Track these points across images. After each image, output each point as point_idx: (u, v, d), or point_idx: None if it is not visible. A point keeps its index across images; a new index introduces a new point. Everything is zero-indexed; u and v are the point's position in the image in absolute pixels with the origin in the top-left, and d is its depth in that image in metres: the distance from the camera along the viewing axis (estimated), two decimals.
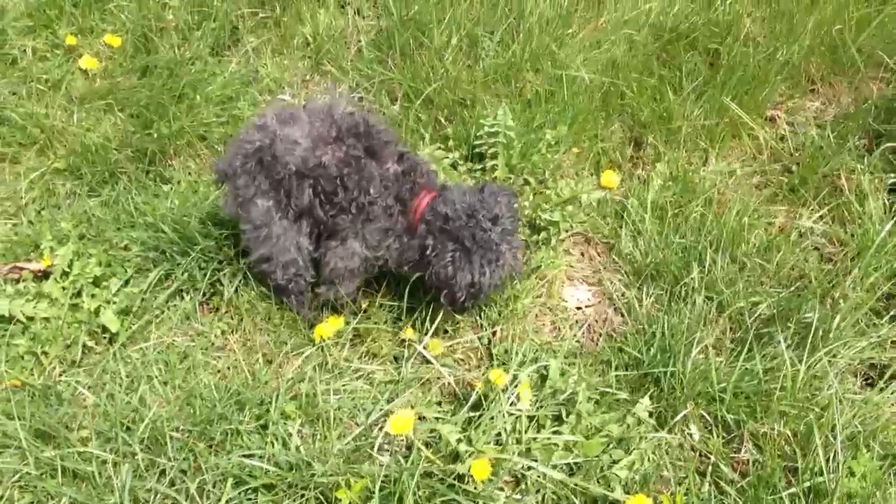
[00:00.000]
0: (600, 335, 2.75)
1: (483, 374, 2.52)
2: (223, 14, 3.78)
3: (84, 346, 2.70)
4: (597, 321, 2.80)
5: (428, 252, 2.43)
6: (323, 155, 2.39)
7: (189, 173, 3.23)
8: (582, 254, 3.01)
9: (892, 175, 3.09)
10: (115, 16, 3.84)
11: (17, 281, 2.87)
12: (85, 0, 3.88)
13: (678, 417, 2.36)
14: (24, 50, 3.70)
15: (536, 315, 2.79)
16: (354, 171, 2.40)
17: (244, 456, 2.30)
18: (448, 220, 2.39)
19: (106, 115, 3.43)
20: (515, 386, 2.37)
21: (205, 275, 2.80)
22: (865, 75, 3.57)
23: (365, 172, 2.41)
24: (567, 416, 2.34)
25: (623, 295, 2.83)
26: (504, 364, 2.56)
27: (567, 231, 2.95)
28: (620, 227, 2.98)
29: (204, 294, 2.82)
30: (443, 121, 3.29)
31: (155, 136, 3.27)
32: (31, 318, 2.74)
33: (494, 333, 2.70)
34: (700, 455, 2.36)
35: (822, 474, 2.17)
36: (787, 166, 3.23)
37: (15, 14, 3.83)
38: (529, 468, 2.22)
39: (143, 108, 3.36)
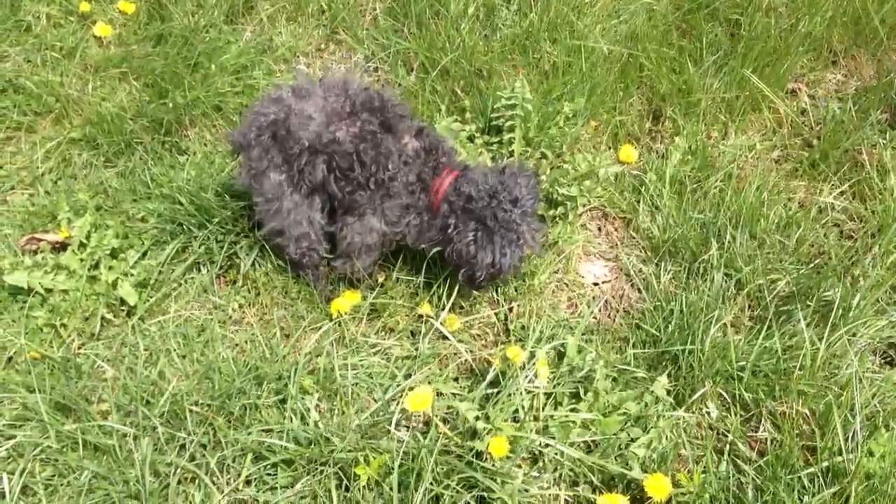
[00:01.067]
0: (618, 311, 2.73)
1: (500, 351, 2.50)
2: None
3: (102, 318, 2.70)
4: (614, 297, 2.78)
5: (450, 231, 2.43)
6: (337, 130, 2.36)
7: (205, 144, 3.20)
8: (599, 229, 2.98)
9: None
10: None
11: (35, 252, 2.86)
12: None
13: (696, 396, 2.35)
14: (38, 16, 3.66)
15: (553, 291, 2.77)
16: (371, 146, 2.37)
17: (263, 431, 2.31)
18: (471, 199, 2.38)
19: (121, 83, 3.40)
20: (533, 363, 2.36)
21: (222, 247, 2.79)
22: (888, 47, 3.50)
23: (382, 148, 2.38)
24: (585, 393, 2.33)
25: (640, 271, 2.81)
26: (521, 340, 2.55)
27: (584, 206, 2.92)
28: (638, 202, 2.95)
29: (221, 267, 2.81)
30: (459, 92, 3.24)
31: (170, 105, 3.23)
32: (49, 291, 2.74)
33: (511, 309, 2.69)
34: (718, 433, 2.36)
35: (840, 454, 2.16)
36: (807, 140, 3.18)
37: None
38: (547, 446, 2.22)
39: (158, 77, 3.33)
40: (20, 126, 3.28)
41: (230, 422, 2.37)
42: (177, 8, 3.62)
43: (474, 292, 2.69)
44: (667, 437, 2.27)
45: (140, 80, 3.40)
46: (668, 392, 2.38)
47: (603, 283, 2.82)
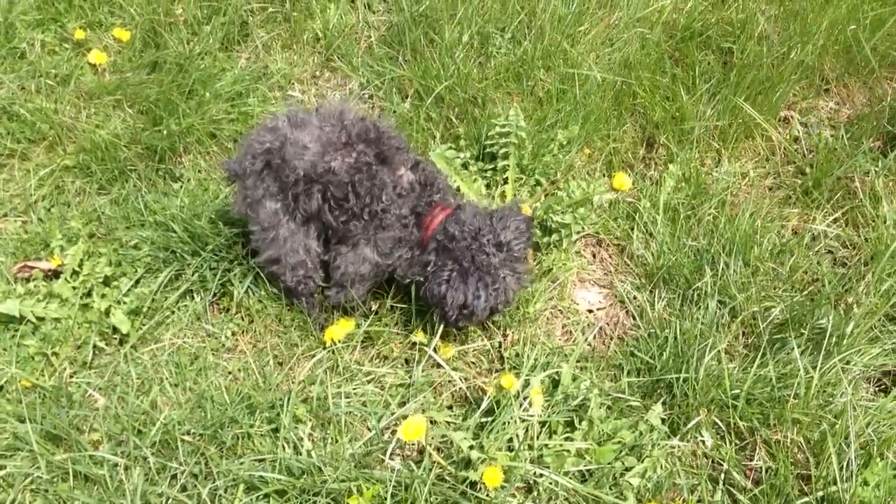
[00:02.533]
0: (612, 338, 2.74)
1: (494, 379, 2.51)
2: (233, 8, 3.75)
3: (95, 346, 2.70)
4: (608, 324, 2.79)
5: (428, 268, 2.46)
6: (332, 160, 2.37)
7: (199, 171, 3.21)
8: (593, 255, 3.00)
9: None
10: (124, 9, 3.81)
11: (28, 280, 2.87)
12: None
13: (691, 424, 2.36)
14: (33, 43, 3.68)
15: (548, 318, 2.78)
16: (366, 177, 2.39)
17: (256, 461, 2.30)
18: (453, 239, 2.41)
19: (115, 110, 3.42)
20: (527, 391, 2.37)
21: (215, 275, 2.80)
22: (880, 75, 3.55)
23: (377, 179, 2.41)
24: (579, 422, 2.34)
25: (635, 298, 2.83)
26: (515, 368, 2.56)
27: (578, 233, 2.93)
28: (632, 229, 2.97)
29: (214, 294, 2.82)
30: (454, 119, 3.27)
31: (164, 133, 3.25)
32: (41, 319, 2.74)
33: (506, 336, 2.70)
34: (713, 462, 2.36)
35: (835, 483, 2.17)
36: (800, 168, 3.21)
37: (23, 6, 3.80)
38: (541, 475, 2.22)
39: (153, 105, 3.35)
40: (14, 153, 3.29)
41: (222, 451, 2.37)
42: (172, 35, 3.64)
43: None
44: (661, 466, 2.28)
45: (134, 108, 3.42)
46: (663, 421, 2.38)
47: (597, 310, 2.84)
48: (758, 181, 3.18)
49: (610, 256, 2.99)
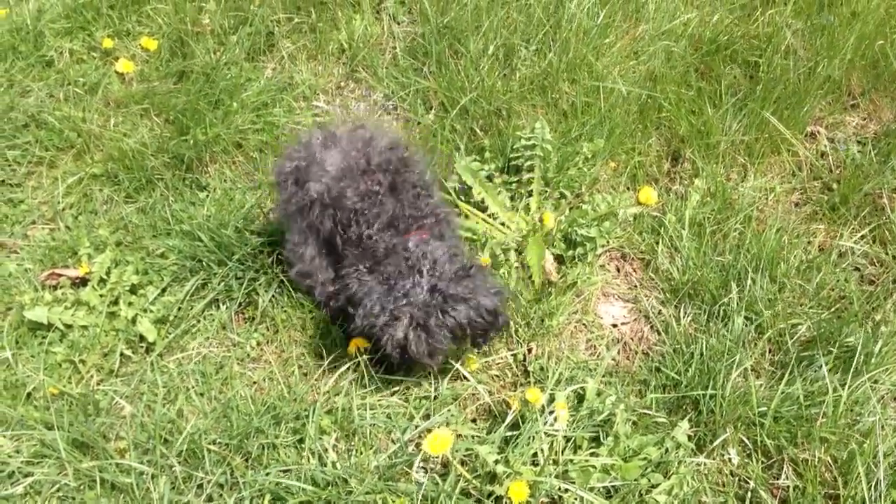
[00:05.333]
0: (636, 353, 2.73)
1: (519, 392, 2.51)
2: (259, 19, 3.78)
3: (121, 354, 2.72)
4: (633, 339, 2.78)
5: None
6: (347, 187, 2.40)
7: (225, 181, 3.23)
8: (618, 269, 2.99)
9: None
10: (152, 19, 3.85)
11: (55, 287, 2.89)
12: (121, 2, 3.88)
13: (718, 442, 2.34)
14: (61, 52, 3.72)
15: (572, 332, 2.77)
16: (371, 206, 2.40)
17: (281, 471, 2.31)
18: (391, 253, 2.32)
19: (142, 119, 3.45)
20: (552, 405, 2.37)
21: (241, 284, 2.81)
22: None
23: (381, 208, 2.40)
24: (605, 437, 2.33)
25: (660, 313, 2.82)
26: (540, 382, 2.55)
27: (603, 246, 2.93)
28: (657, 243, 2.96)
29: (240, 304, 2.83)
30: (478, 131, 3.27)
31: (191, 142, 3.27)
32: (69, 326, 2.76)
33: (530, 350, 2.69)
34: (739, 480, 2.34)
35: (864, 503, 2.15)
36: (827, 184, 3.19)
37: (52, 15, 3.85)
38: (567, 490, 2.21)
39: (180, 114, 3.37)
40: (42, 161, 3.33)
41: (248, 462, 2.38)
42: (198, 45, 3.67)
43: (491, 333, 2.71)
44: (688, 484, 2.26)
45: (161, 117, 3.45)
46: (689, 437, 2.37)
47: (622, 324, 2.83)
48: (784, 197, 3.17)
49: (634, 271, 2.98)
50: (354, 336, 2.44)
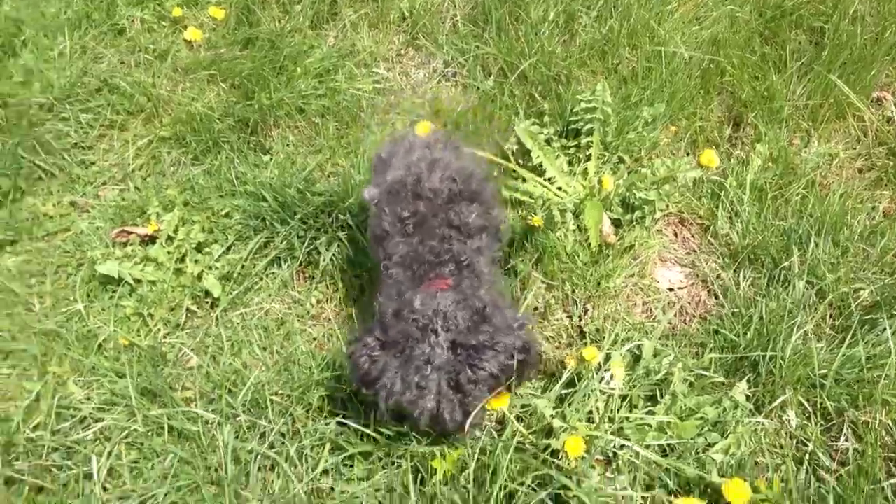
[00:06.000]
0: (694, 317, 2.68)
1: (576, 352, 2.48)
2: None
3: (187, 309, 2.77)
4: (690, 303, 2.73)
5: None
6: (388, 203, 2.30)
7: (287, 144, 3.25)
8: (675, 234, 2.93)
9: None
10: None
11: (125, 244, 2.95)
12: None
13: (776, 403, 2.29)
14: (132, 20, 3.78)
15: (628, 295, 2.73)
16: (397, 233, 2.25)
17: (341, 423, 2.33)
18: (402, 314, 2.05)
19: (209, 85, 3.48)
20: (608, 365, 2.34)
21: (303, 243, 2.83)
22: None
23: (405, 241, 2.24)
24: (661, 396, 2.30)
25: (718, 277, 2.76)
26: (596, 342, 2.53)
27: (662, 210, 2.87)
28: (717, 208, 2.89)
29: (301, 263, 2.86)
30: (537, 96, 3.24)
31: (256, 107, 3.30)
32: (137, 281, 2.82)
33: (586, 311, 2.67)
34: (797, 442, 2.29)
35: None
36: (892, 150, 3.07)
37: None
38: (622, 447, 2.19)
39: (245, 79, 3.40)
40: (113, 124, 3.39)
41: (308, 413, 2.41)
42: (264, 13, 3.70)
43: (547, 294, 2.69)
44: (745, 444, 2.22)
45: (227, 83, 3.48)
46: (748, 398, 2.32)
47: (679, 288, 2.78)
48: (848, 163, 3.07)
49: (692, 236, 2.92)
50: (384, 422, 2.19)
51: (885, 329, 2.34)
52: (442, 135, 2.51)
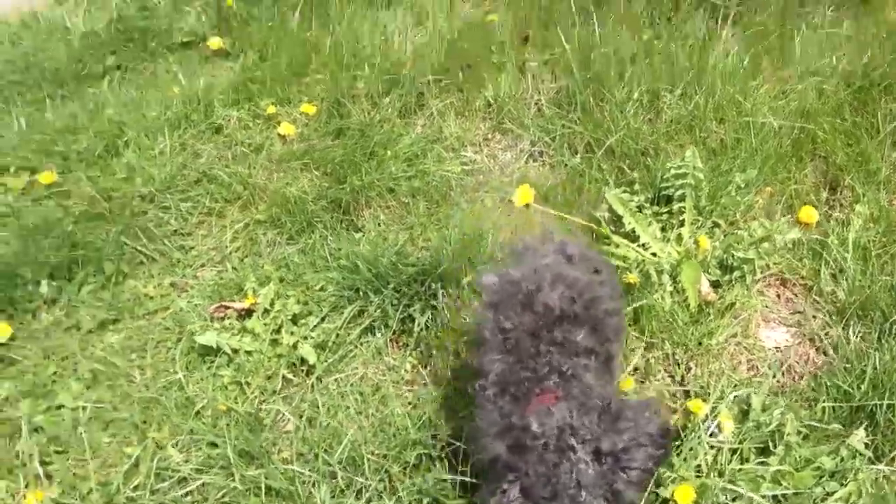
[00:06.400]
0: (802, 376, 2.65)
1: (681, 405, 2.47)
2: (410, 81, 4.02)
3: (283, 377, 2.86)
4: (798, 361, 2.70)
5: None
6: (496, 309, 2.16)
7: (379, 223, 3.40)
8: (778, 295, 2.93)
9: None
10: (311, 87, 4.16)
11: (223, 318, 3.08)
12: (284, 75, 4.23)
13: None
14: (229, 119, 4.06)
15: (731, 354, 2.72)
16: (497, 345, 2.09)
17: (439, 479, 2.34)
18: (530, 437, 1.83)
19: (302, 172, 3.69)
20: (715, 416, 2.32)
21: (396, 310, 2.92)
22: None
23: (503, 358, 2.06)
24: (774, 447, 2.25)
25: (826, 334, 2.73)
26: (701, 398, 2.51)
27: (762, 269, 2.88)
28: (820, 267, 2.89)
29: (394, 332, 2.94)
30: (626, 168, 3.33)
31: (348, 189, 3.48)
32: (235, 351, 2.93)
33: (689, 370, 2.66)
34: None
35: None
36: None
37: (221, 88, 4.23)
38: (736, 498, 2.14)
39: (337, 165, 3.60)
40: (212, 211, 3.60)
41: (405, 470, 2.43)
42: (354, 107, 3.94)
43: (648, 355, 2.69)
44: (867, 492, 2.14)
45: (320, 170, 3.68)
46: (866, 446, 2.26)
47: (785, 347, 2.75)
48: None
49: (795, 296, 2.91)
50: None
51: None
52: (581, 245, 2.37)
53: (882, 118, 3.33)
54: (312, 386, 2.81)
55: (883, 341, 2.57)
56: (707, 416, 2.31)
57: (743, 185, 3.10)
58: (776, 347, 2.74)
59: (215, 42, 4.63)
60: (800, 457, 2.22)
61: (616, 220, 3.09)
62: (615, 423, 1.83)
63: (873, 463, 2.23)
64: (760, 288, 2.94)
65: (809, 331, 2.76)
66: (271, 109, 4.04)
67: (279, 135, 3.94)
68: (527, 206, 2.99)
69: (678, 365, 2.67)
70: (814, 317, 2.81)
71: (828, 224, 3.06)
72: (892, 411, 2.29)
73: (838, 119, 3.36)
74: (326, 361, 2.87)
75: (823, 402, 2.42)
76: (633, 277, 2.69)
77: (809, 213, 2.83)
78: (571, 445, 1.79)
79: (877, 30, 3.94)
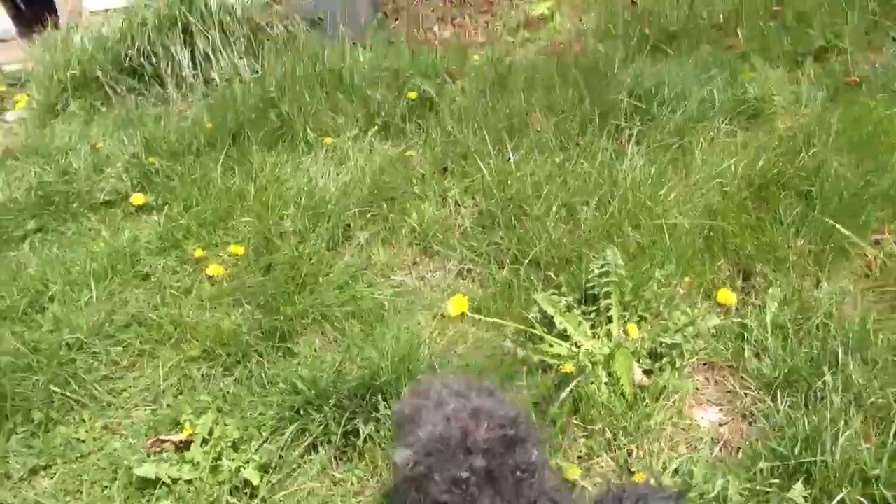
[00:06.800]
0: (738, 448, 2.80)
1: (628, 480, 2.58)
2: (336, 215, 4.25)
3: (227, 503, 2.87)
4: (732, 436, 2.86)
5: None
6: (435, 467, 1.94)
7: (314, 350, 3.51)
8: (707, 379, 3.12)
9: None
10: (238, 230, 4.34)
11: (160, 452, 3.10)
12: (209, 221, 4.41)
13: (835, 501, 2.37)
14: (156, 267, 4.18)
15: (670, 435, 2.86)
16: (461, 499, 1.91)
17: None
18: None
19: (235, 308, 3.80)
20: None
21: (339, 424, 2.99)
22: None
23: None
24: None
25: (757, 408, 2.91)
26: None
27: (689, 355, 3.08)
28: (743, 347, 3.10)
29: (338, 448, 3.00)
30: (552, 276, 3.55)
31: (282, 317, 3.60)
32: (175, 481, 2.95)
33: (630, 454, 2.78)
34: None
35: None
36: None
37: (146, 239, 4.37)
38: None
39: (269, 298, 3.73)
40: (143, 353, 3.65)
41: None
42: (283, 243, 4.11)
43: (589, 440, 2.82)
44: None
45: (252, 304, 3.80)
46: (805, 499, 2.40)
47: (720, 425, 2.91)
48: (861, 296, 3.32)
49: (724, 377, 3.10)
50: None
51: None
52: (471, 380, 2.27)
53: (783, 210, 3.67)
54: None
55: (809, 407, 2.76)
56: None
57: (663, 279, 3.33)
58: (711, 425, 2.89)
59: (139, 198, 4.78)
60: None
61: (548, 322, 3.26)
62: None
63: None
64: (690, 373, 3.12)
65: (740, 407, 2.94)
66: (199, 252, 4.18)
67: (208, 276, 4.06)
68: (462, 315, 3.16)
69: (619, 449, 2.80)
70: (744, 394, 2.99)
71: (745, 309, 3.30)
72: (826, 467, 2.45)
73: (744, 214, 3.68)
74: (270, 483, 2.90)
75: (761, 464, 2.56)
76: (568, 367, 2.85)
77: (727, 295, 3.07)
78: None
79: (768, 138, 4.36)
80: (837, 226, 3.46)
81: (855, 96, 4.71)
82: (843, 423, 2.58)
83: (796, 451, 2.57)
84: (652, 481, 1.94)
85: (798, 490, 2.40)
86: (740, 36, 5.70)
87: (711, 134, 4.54)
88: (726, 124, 4.63)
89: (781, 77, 5.09)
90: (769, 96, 4.87)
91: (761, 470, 2.53)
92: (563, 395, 2.80)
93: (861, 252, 3.47)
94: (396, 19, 7.78)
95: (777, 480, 2.47)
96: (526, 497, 1.94)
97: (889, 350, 2.90)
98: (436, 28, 7.53)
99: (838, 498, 2.38)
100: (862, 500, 2.40)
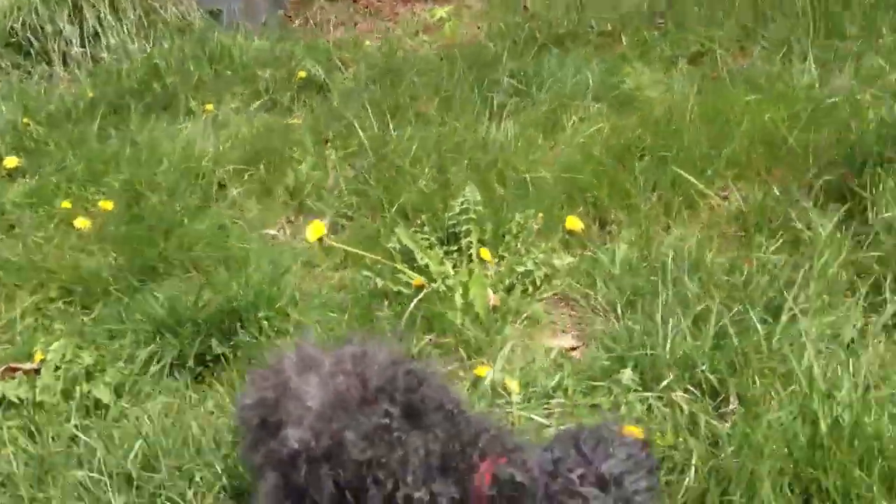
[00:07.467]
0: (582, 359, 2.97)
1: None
2: (210, 172, 4.31)
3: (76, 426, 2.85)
4: (583, 357, 3.01)
5: None
6: (343, 429, 1.79)
7: (178, 291, 3.53)
8: (562, 313, 3.29)
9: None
10: (111, 186, 4.35)
11: (13, 378, 3.07)
12: (81, 178, 4.41)
13: (663, 384, 2.56)
14: (21, 218, 4.15)
15: (521, 355, 2.99)
16: (386, 450, 1.76)
17: None
18: (518, 486, 1.60)
19: (99, 254, 3.80)
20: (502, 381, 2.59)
21: (193, 348, 3.04)
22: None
23: (399, 453, 1.75)
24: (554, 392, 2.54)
25: (604, 330, 3.08)
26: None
27: (542, 282, 3.25)
28: (595, 282, 3.29)
29: (195, 372, 3.04)
30: (420, 221, 3.69)
31: (144, 261, 3.62)
32: (22, 401, 2.92)
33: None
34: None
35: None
36: (743, 226, 3.59)
37: (14, 194, 4.34)
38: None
39: (134, 244, 3.75)
40: None
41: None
42: (154, 196, 4.14)
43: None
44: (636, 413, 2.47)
45: (117, 251, 3.80)
46: (634, 381, 2.59)
47: (572, 349, 3.07)
48: (706, 242, 3.53)
49: (577, 311, 3.27)
50: None
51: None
52: (314, 347, 2.10)
53: (640, 168, 3.90)
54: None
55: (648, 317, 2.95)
56: (492, 381, 2.56)
57: (523, 222, 3.50)
58: (562, 349, 3.05)
59: (12, 160, 4.74)
60: (580, 400, 2.50)
61: (410, 259, 3.38)
62: (598, 448, 1.61)
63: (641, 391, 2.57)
64: (547, 308, 3.28)
65: (590, 332, 3.11)
66: (65, 204, 4.16)
67: (75, 228, 4.04)
68: (320, 240, 3.25)
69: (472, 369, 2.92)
70: (592, 321, 3.17)
71: (599, 252, 3.49)
72: (657, 359, 2.64)
73: (602, 168, 3.91)
74: (125, 405, 2.91)
75: (598, 362, 2.74)
76: (418, 280, 2.97)
77: (574, 222, 3.25)
78: (569, 479, 1.56)
79: (637, 117, 4.62)
80: (687, 175, 3.69)
81: (720, 89, 5.03)
82: (672, 322, 2.78)
83: (630, 347, 2.77)
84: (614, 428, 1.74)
85: (627, 374, 2.58)
86: (624, 42, 6.01)
87: (582, 113, 4.78)
88: (598, 105, 4.89)
89: (657, 74, 5.40)
90: (642, 87, 5.17)
91: (599, 366, 2.69)
92: (412, 305, 2.91)
93: (708, 203, 3.72)
94: (301, 23, 7.94)
95: (607, 363, 2.66)
96: (467, 430, 1.79)
97: (721, 272, 3.13)
98: (337, 33, 7.68)
99: (667, 381, 2.56)
100: (690, 387, 2.57)
